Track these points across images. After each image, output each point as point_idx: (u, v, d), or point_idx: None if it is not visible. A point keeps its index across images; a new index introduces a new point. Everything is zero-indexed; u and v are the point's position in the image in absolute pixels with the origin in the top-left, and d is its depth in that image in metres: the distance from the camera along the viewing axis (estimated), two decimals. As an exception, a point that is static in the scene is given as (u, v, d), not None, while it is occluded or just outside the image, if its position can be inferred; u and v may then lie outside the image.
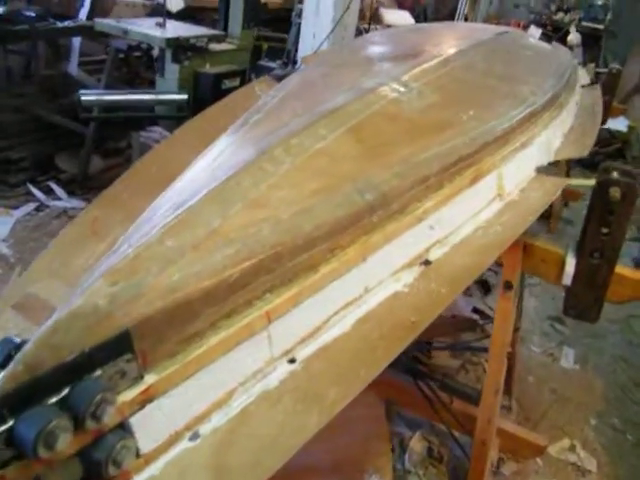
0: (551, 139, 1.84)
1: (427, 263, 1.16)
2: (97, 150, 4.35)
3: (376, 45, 2.18)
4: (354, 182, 1.04)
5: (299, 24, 4.21)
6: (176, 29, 3.35)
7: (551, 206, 4.58)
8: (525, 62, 2.45)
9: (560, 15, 6.86)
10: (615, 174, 1.70)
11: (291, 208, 0.93)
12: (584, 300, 1.84)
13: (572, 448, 2.72)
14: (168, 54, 3.20)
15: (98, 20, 3.63)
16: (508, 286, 1.88)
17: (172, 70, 3.25)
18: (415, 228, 1.13)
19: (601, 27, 6.78)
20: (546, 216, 5.07)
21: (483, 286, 3.89)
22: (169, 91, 3.12)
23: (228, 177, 0.97)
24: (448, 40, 2.44)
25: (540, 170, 1.76)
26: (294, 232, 0.91)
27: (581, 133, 2.28)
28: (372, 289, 1.02)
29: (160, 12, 4.08)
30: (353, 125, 1.20)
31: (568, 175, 5.21)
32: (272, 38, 5.01)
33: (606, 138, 6.87)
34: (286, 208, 0.93)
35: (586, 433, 2.82)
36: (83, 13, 3.99)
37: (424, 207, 1.16)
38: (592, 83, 3.80)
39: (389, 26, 5.38)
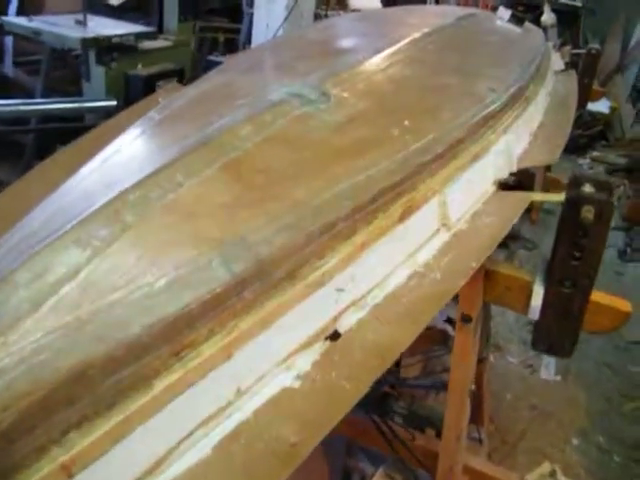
0: (513, 144, 1.56)
1: (335, 337, 0.88)
2: (41, 160, 4.01)
3: (310, 38, 1.88)
4: (218, 247, 0.75)
5: (251, 14, 3.88)
6: (99, 27, 3.00)
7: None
8: (487, 51, 2.16)
9: (536, -7, 6.56)
10: (587, 188, 1.43)
11: (112, 306, 0.65)
12: (555, 333, 1.57)
13: (553, 474, 2.48)
14: (92, 56, 2.87)
15: (6, 19, 3.26)
16: (465, 319, 1.61)
17: (98, 74, 2.91)
18: (314, 296, 0.85)
19: (579, 5, 6.48)
20: (528, 209, 4.83)
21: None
22: (95, 98, 2.78)
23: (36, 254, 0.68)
24: (398, 29, 2.14)
25: (499, 184, 1.49)
26: (114, 338, 0.62)
27: (552, 131, 2.00)
28: (248, 390, 0.74)
29: (99, 5, 3.74)
30: (232, 159, 0.92)
31: (548, 169, 4.93)
32: (230, 29, 4.68)
33: (588, 121, 6.62)
34: (101, 306, 0.64)
35: (568, 455, 2.59)
36: (12, 9, 3.64)
37: (329, 265, 0.87)
38: (567, 68, 3.52)
39: (354, 11, 5.05)
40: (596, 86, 5.78)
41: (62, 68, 4.43)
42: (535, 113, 1.97)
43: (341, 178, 0.97)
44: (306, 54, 1.63)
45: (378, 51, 1.68)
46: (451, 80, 1.63)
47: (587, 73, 4.49)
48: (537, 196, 1.46)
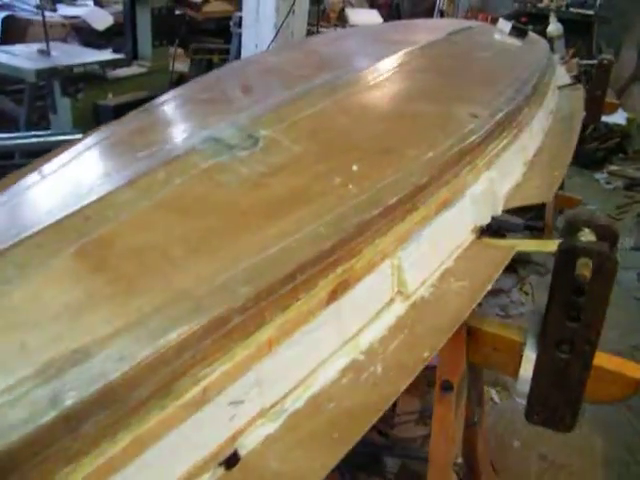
0: (499, 181, 1.33)
1: (231, 463, 0.66)
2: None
3: (273, 61, 1.67)
4: (46, 371, 0.54)
5: (240, 34, 3.71)
6: (64, 56, 2.82)
7: (543, 216, 4.07)
8: (477, 69, 1.94)
9: (546, 2, 6.31)
10: (585, 236, 1.19)
11: None
12: (552, 404, 1.33)
13: (566, 539, 2.20)
14: (57, 87, 2.70)
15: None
16: (446, 387, 1.37)
17: (64, 105, 2.74)
18: (195, 417, 0.63)
19: (591, 13, 6.21)
20: (539, 228, 4.54)
21: None
22: (59, 132, 2.60)
23: None
24: (378, 48, 1.94)
25: (480, 231, 1.26)
26: None
27: (551, 159, 1.76)
28: None
29: (84, 31, 3.60)
30: (95, 240, 0.71)
31: (562, 181, 4.65)
32: (225, 50, 4.52)
33: (604, 133, 6.33)
34: None
35: (584, 515, 2.31)
36: (-6, 37, 3.52)
37: (216, 375, 0.66)
38: (575, 82, 3.28)
39: (352, 27, 4.88)
40: (611, 97, 5.52)
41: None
42: (531, 139, 1.74)
43: (245, 254, 0.75)
44: (256, 82, 1.42)
45: (344, 76, 1.47)
46: (426, 107, 1.41)
47: (599, 85, 4.22)
48: (525, 245, 1.22)
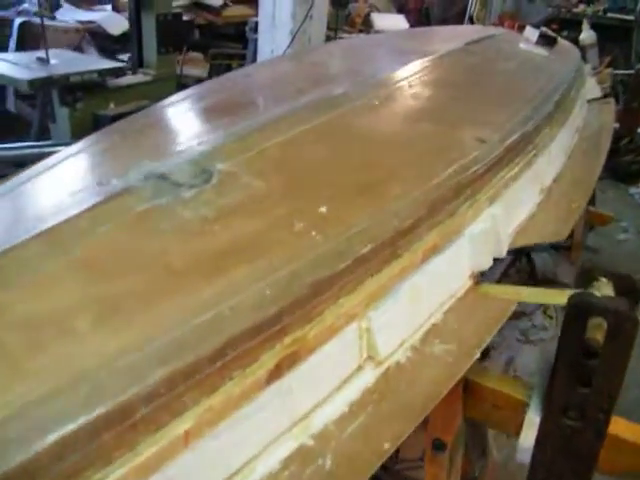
0: (504, 217, 1.17)
1: None
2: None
3: (261, 76, 1.53)
4: None
5: (256, 40, 3.60)
6: (64, 65, 2.73)
7: (572, 234, 3.84)
8: (493, 84, 1.77)
9: (582, 7, 6.04)
10: (601, 287, 1.02)
11: None
12: (557, 472, 1.16)
13: None
14: (55, 96, 2.62)
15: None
16: (438, 446, 1.21)
17: (62, 114, 2.66)
18: None
19: (631, 18, 5.91)
20: (566, 246, 4.30)
21: None
22: (55, 142, 2.51)
23: None
24: (385, 60, 1.79)
25: (478, 277, 1.09)
26: None
27: (570, 187, 1.58)
28: None
29: (100, 36, 3.54)
30: None
31: (593, 195, 4.39)
32: (243, 56, 4.41)
33: (640, 145, 6.02)
34: None
35: None
36: (12, 43, 3.48)
37: (117, 476, 0.53)
38: (610, 93, 3.05)
39: (377, 32, 4.72)
40: (648, 109, 5.22)
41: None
42: (549, 164, 1.57)
43: (165, 325, 0.62)
44: (235, 101, 1.29)
45: (336, 93, 1.33)
46: (425, 131, 1.25)
47: (635, 96, 4.00)
48: (530, 295, 1.06)
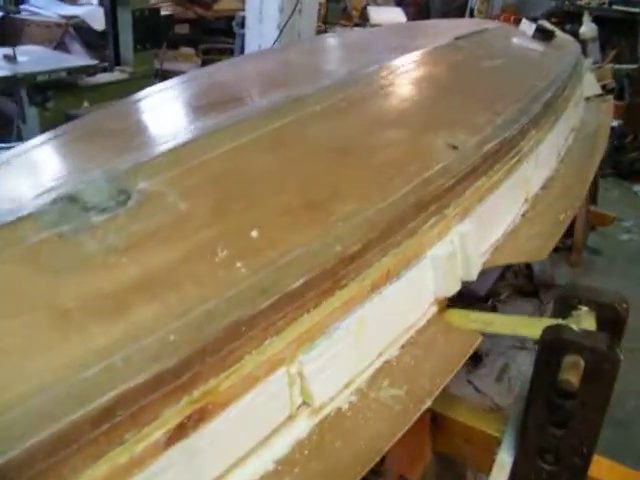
0: (476, 234, 1.05)
1: None
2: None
3: (226, 75, 1.41)
4: None
5: (243, 35, 3.48)
6: (31, 62, 2.60)
7: (572, 235, 3.71)
8: (478, 82, 1.64)
9: (586, 0, 5.86)
10: (579, 318, 0.90)
11: None
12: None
13: None
14: (24, 95, 2.50)
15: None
16: (405, 488, 1.10)
17: (32, 114, 2.54)
18: None
19: (636, 10, 5.73)
20: (566, 247, 4.16)
21: (471, 357, 3.04)
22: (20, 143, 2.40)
23: None
24: (367, 56, 1.66)
25: (443, 303, 0.97)
26: None
27: (560, 195, 1.46)
28: None
29: (85, 31, 3.43)
30: None
31: (595, 194, 4.26)
32: (233, 51, 4.29)
33: (648, 142, 5.85)
34: None
35: None
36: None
37: None
38: (604, 93, 2.90)
39: (373, 26, 4.59)
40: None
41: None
42: (536, 170, 1.44)
43: (36, 385, 0.51)
44: (182, 105, 1.17)
45: (298, 94, 1.21)
46: (393, 135, 1.13)
47: (639, 92, 3.84)
48: (501, 325, 0.94)
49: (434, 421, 1.07)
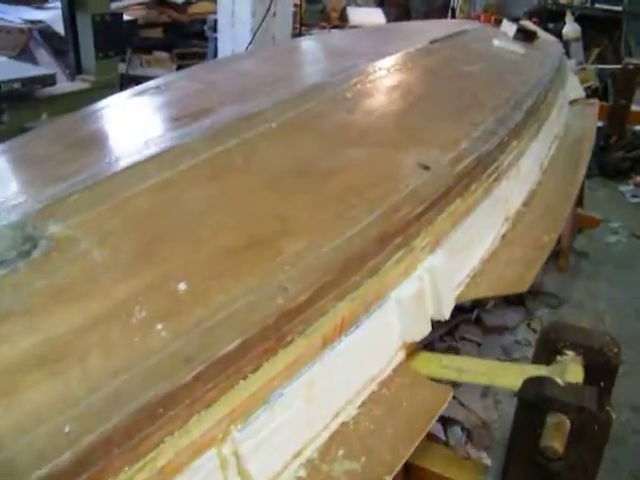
0: (448, 268, 0.94)
1: None
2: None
3: (177, 89, 1.28)
4: None
5: (216, 39, 3.35)
6: None
7: (559, 239, 3.61)
8: (453, 91, 1.53)
9: (569, -1, 5.77)
10: (564, 367, 0.78)
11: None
12: None
13: None
14: None
15: None
16: None
17: None
18: None
19: (619, 9, 5.66)
20: (554, 252, 4.05)
21: None
22: None
23: None
24: (332, 64, 1.55)
25: (411, 348, 0.86)
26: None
27: (543, 212, 1.35)
28: None
29: (51, 36, 3.27)
30: None
31: (581, 196, 4.16)
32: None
33: (632, 140, 5.80)
34: None
35: None
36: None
37: None
38: (589, 96, 2.80)
39: (352, 27, 4.47)
40: (637, 106, 4.99)
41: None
42: (517, 186, 1.34)
43: None
44: (121, 127, 1.05)
45: (249, 112, 1.09)
46: (355, 156, 1.02)
47: (623, 93, 3.74)
48: (475, 375, 0.83)
49: (407, 472, 0.96)
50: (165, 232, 0.72)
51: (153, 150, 0.86)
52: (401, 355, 0.83)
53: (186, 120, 0.99)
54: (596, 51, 5.44)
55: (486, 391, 2.78)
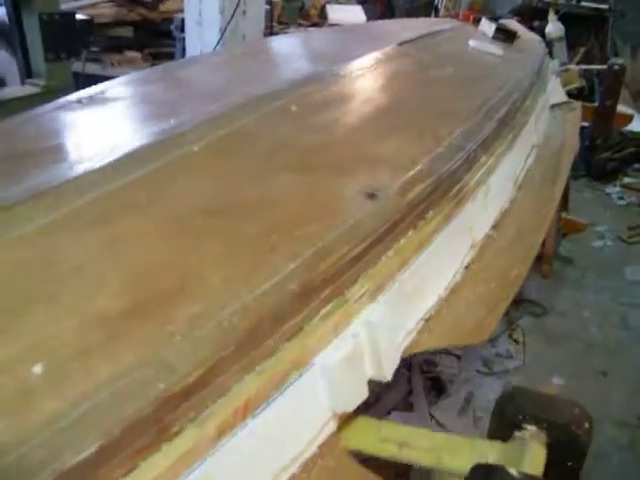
0: (392, 317, 0.79)
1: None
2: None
3: (114, 100, 1.12)
4: None
5: (183, 39, 3.19)
6: None
7: (543, 243, 3.48)
8: (415, 100, 1.39)
9: (555, -4, 5.65)
10: (525, 447, 0.64)
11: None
12: None
13: None
14: None
15: None
16: None
17: None
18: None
19: (605, 7, 5.56)
20: (538, 257, 3.92)
21: (434, 386, 2.79)
22: None
23: None
24: (285, 71, 1.40)
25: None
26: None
27: (514, 240, 1.20)
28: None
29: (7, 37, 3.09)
30: None
31: (566, 200, 4.05)
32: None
33: (618, 141, 5.70)
34: None
35: None
36: None
37: None
38: (576, 91, 2.66)
39: (331, 26, 4.33)
40: (624, 106, 4.88)
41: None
42: (485, 209, 1.19)
43: None
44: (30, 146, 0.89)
45: (174, 132, 0.94)
46: (288, 183, 0.87)
47: (610, 94, 3.63)
48: (419, 450, 0.69)
49: None
50: (29, 296, 0.57)
51: (32, 186, 0.71)
52: (331, 427, 0.69)
53: (86, 147, 0.84)
54: (582, 50, 5.33)
55: (465, 408, 2.65)
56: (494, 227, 1.24)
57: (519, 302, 3.69)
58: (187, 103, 1.05)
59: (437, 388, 2.74)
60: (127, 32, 4.15)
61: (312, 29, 4.06)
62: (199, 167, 0.85)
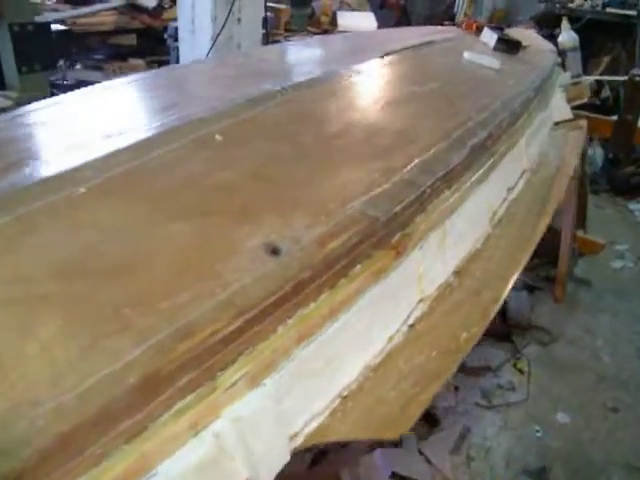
0: (283, 409, 0.65)
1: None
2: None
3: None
4: None
5: (177, 48, 3.10)
6: None
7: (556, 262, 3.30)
8: (380, 124, 1.23)
9: (579, 1, 5.41)
10: None
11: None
12: None
13: None
14: None
15: None
16: None
17: None
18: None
19: (633, 13, 5.27)
20: (550, 278, 3.68)
21: (426, 418, 2.61)
22: None
23: None
24: (234, 87, 1.26)
25: None
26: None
27: (474, 291, 1.03)
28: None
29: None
30: None
31: (584, 218, 3.84)
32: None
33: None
34: None
35: None
36: None
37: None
38: (604, 101, 2.46)
39: (341, 32, 4.19)
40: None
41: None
42: (440, 254, 1.03)
43: None
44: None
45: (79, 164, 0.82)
46: (174, 234, 0.73)
47: (631, 107, 3.40)
48: None
49: None
50: None
51: None
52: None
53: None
54: (607, 59, 5.07)
55: (459, 445, 2.45)
56: (456, 273, 1.08)
57: (526, 328, 3.46)
58: (97, 134, 0.92)
59: (430, 420, 2.54)
60: (130, 40, 4.11)
61: (316, 37, 3.94)
62: (75, 215, 0.72)
